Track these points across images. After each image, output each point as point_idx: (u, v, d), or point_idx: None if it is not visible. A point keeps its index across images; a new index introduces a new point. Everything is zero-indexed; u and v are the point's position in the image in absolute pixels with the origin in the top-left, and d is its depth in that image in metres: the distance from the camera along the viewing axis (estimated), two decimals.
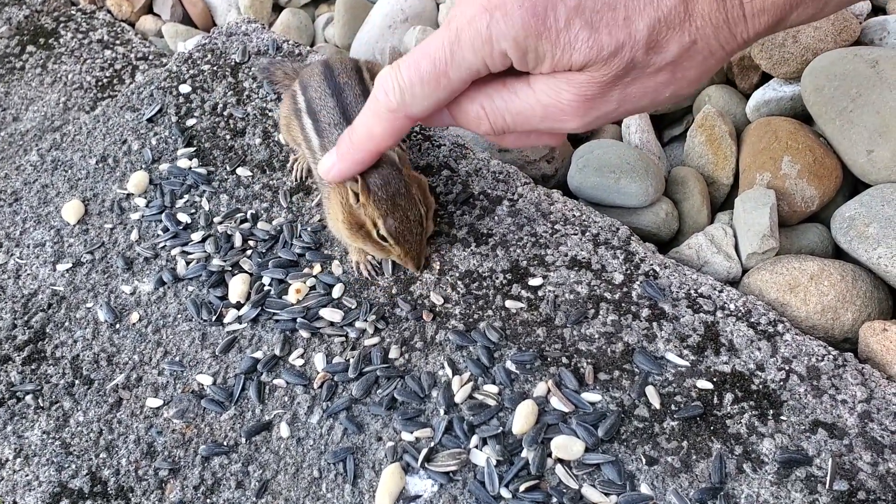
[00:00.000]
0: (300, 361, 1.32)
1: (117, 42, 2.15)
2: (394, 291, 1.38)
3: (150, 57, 2.10)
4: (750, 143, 1.55)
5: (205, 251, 1.47)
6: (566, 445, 1.16)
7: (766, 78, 1.69)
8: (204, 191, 1.57)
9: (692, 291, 1.32)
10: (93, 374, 1.37)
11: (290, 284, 1.39)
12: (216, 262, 1.45)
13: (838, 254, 1.48)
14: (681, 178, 1.58)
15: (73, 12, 2.26)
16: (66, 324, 1.44)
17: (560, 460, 1.16)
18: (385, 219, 1.26)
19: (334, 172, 1.27)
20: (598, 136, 1.74)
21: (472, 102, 1.11)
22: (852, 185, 1.54)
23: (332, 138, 1.34)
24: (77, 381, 1.36)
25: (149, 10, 2.34)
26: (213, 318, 1.39)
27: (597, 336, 1.28)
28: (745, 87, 1.70)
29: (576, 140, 1.76)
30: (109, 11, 2.31)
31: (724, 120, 1.59)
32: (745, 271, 1.43)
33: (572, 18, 0.94)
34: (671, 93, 1.02)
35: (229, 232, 1.49)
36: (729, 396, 1.20)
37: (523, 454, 1.17)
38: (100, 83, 2.04)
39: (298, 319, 1.35)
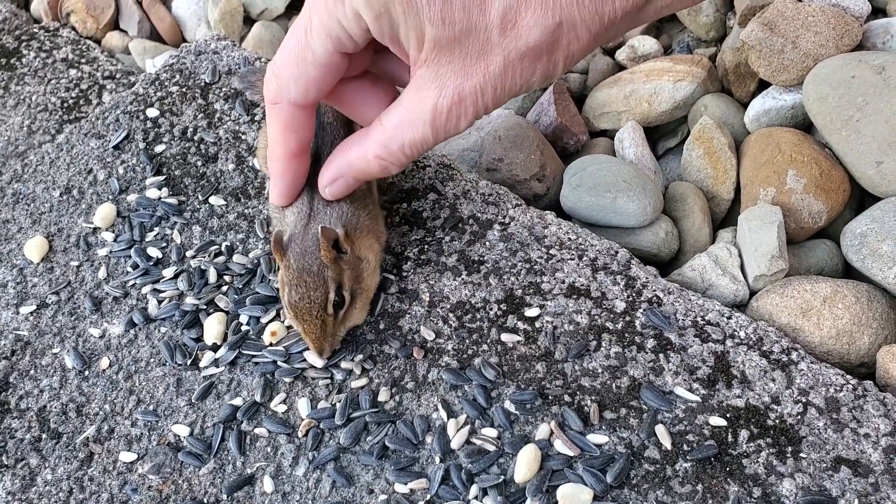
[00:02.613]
0: (283, 407, 1.23)
1: (83, 60, 2.06)
2: (381, 327, 1.29)
3: (118, 75, 2.01)
4: (751, 155, 1.48)
5: (177, 289, 1.38)
6: (573, 494, 1.08)
7: (763, 85, 1.61)
8: (175, 222, 1.48)
9: (699, 319, 1.25)
10: (61, 426, 1.28)
11: (268, 325, 1.30)
12: (190, 300, 1.36)
13: (848, 271, 1.41)
14: (679, 194, 1.50)
15: (35, 30, 2.16)
16: (32, 372, 1.34)
17: None
18: (286, 289, 1.19)
19: (270, 194, 1.25)
20: (590, 150, 1.66)
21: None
22: (859, 199, 1.47)
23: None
24: (44, 435, 1.27)
25: (115, 26, 2.24)
26: (189, 362, 1.30)
27: (600, 370, 1.20)
28: (742, 94, 1.63)
29: (566, 156, 1.68)
30: (74, 28, 2.21)
31: (722, 132, 1.51)
32: (752, 294, 1.35)
33: None
34: (539, 79, 1.00)
35: (203, 267, 1.40)
36: (744, 433, 1.12)
37: None
38: (65, 104, 1.94)
39: (279, 362, 1.26)
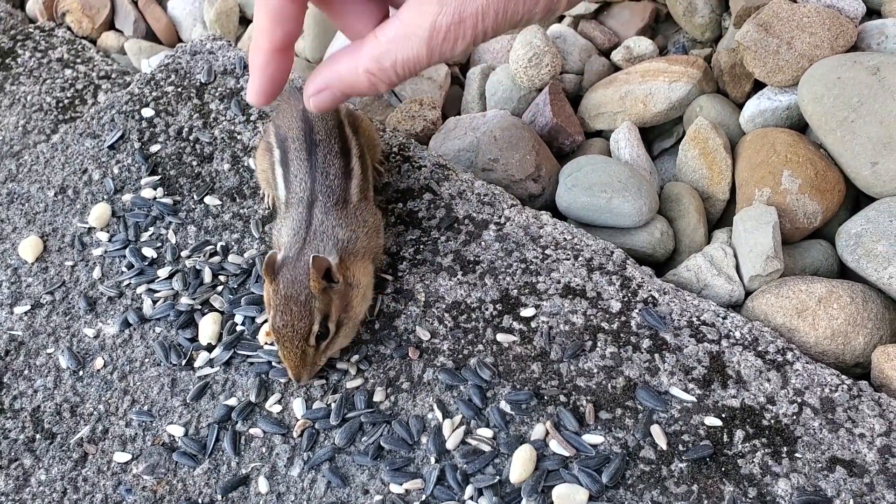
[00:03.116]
0: (277, 408, 1.23)
1: (78, 60, 2.05)
2: (377, 327, 1.29)
3: (114, 75, 2.00)
4: (746, 156, 1.48)
5: (172, 288, 1.38)
6: (569, 494, 1.08)
7: (758, 86, 1.61)
8: (170, 222, 1.48)
9: (694, 319, 1.25)
10: (55, 427, 1.27)
11: (263, 325, 1.30)
12: (185, 300, 1.35)
13: (843, 272, 1.41)
14: (675, 194, 1.50)
15: (30, 30, 2.15)
16: (26, 372, 1.34)
17: None
18: (271, 312, 1.17)
19: (248, 92, 1.14)
20: (586, 151, 1.66)
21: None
22: (854, 199, 1.47)
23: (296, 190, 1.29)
24: (38, 436, 1.27)
25: (110, 26, 2.23)
26: (183, 363, 1.29)
27: (596, 371, 1.20)
28: (738, 95, 1.63)
29: (561, 156, 1.68)
30: (69, 28, 2.20)
31: (717, 132, 1.51)
32: (747, 294, 1.35)
33: None
34: (542, 10, 0.95)
35: (198, 266, 1.39)
36: (739, 433, 1.12)
37: None
38: (61, 104, 1.94)
39: (274, 362, 1.26)
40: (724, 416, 1.14)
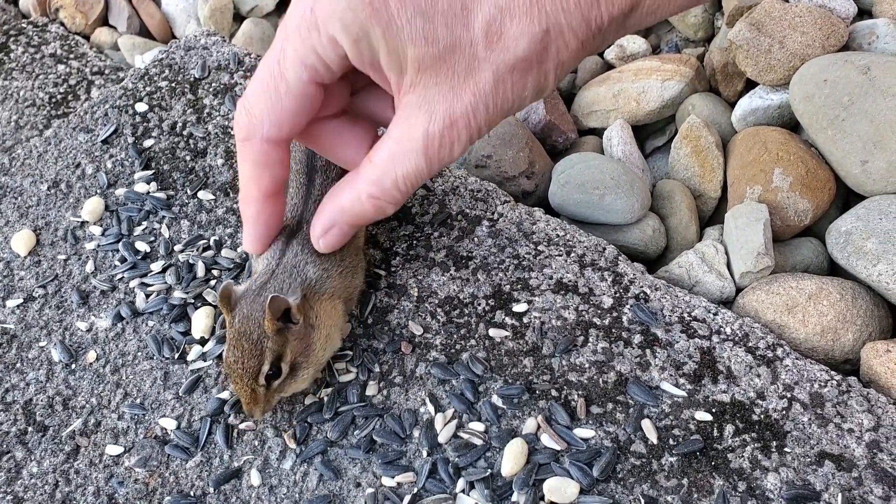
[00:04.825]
0: None
1: (71, 56, 2.05)
2: (370, 322, 1.29)
3: (107, 71, 2.00)
4: (738, 154, 1.49)
5: (165, 282, 1.38)
6: (559, 487, 1.09)
7: (750, 85, 1.62)
8: (163, 217, 1.48)
9: (685, 315, 1.25)
10: (47, 419, 1.27)
11: None
12: (178, 294, 1.35)
13: (833, 269, 1.42)
14: (667, 192, 1.51)
15: (24, 25, 2.15)
16: (18, 365, 1.34)
17: None
18: (226, 344, 1.13)
19: (244, 241, 1.17)
20: (579, 148, 1.67)
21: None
22: (844, 197, 1.48)
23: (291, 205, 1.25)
24: (30, 429, 1.26)
25: (104, 21, 2.23)
26: (176, 356, 1.29)
27: (587, 365, 1.21)
28: (730, 94, 1.64)
29: (555, 154, 1.69)
30: (62, 24, 2.20)
31: (709, 130, 1.52)
32: (738, 291, 1.36)
33: (405, 3, 0.86)
34: (532, 93, 0.95)
35: (191, 261, 1.39)
36: (729, 428, 1.13)
37: (514, 498, 1.09)
38: (53, 99, 1.94)
39: None
40: (714, 410, 1.15)
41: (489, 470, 1.12)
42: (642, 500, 1.07)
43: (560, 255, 1.34)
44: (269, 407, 1.15)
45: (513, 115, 0.98)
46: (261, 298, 1.11)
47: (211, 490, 1.16)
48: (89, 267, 1.43)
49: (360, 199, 1.04)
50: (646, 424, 1.14)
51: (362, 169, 1.03)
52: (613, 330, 1.24)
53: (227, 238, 1.43)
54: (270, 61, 0.97)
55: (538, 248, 1.35)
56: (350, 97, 1.12)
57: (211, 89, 1.67)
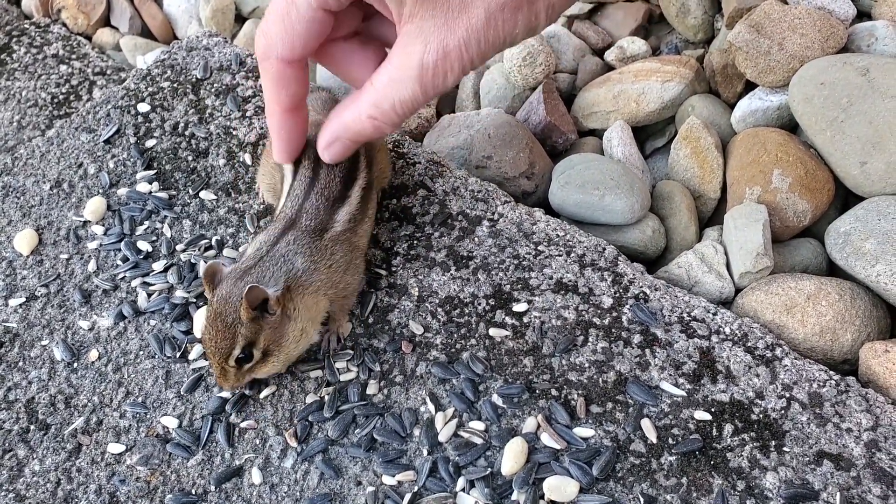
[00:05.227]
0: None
1: (73, 56, 2.06)
2: (371, 321, 1.30)
3: (108, 71, 2.01)
4: (737, 155, 1.49)
5: (167, 282, 1.38)
6: (559, 486, 1.09)
7: (750, 86, 1.63)
8: (165, 216, 1.48)
9: (685, 315, 1.26)
10: (49, 418, 1.28)
11: None
12: (179, 293, 1.36)
13: (832, 269, 1.42)
14: (666, 192, 1.52)
15: (26, 26, 2.16)
16: (20, 363, 1.34)
17: (553, 503, 1.09)
18: (204, 321, 1.15)
19: (273, 152, 1.26)
20: (579, 149, 1.68)
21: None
22: (843, 198, 1.49)
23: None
24: (32, 427, 1.27)
25: (106, 22, 2.24)
26: (178, 355, 1.30)
27: (587, 365, 1.21)
28: (729, 95, 1.64)
29: (555, 154, 1.69)
30: (65, 25, 2.21)
31: (709, 131, 1.53)
32: (737, 291, 1.37)
33: None
34: (523, 30, 1.01)
35: (193, 260, 1.40)
36: (728, 427, 1.13)
37: (514, 497, 1.10)
38: (55, 100, 1.94)
39: None
40: (713, 410, 1.15)
41: (489, 469, 1.12)
42: (641, 499, 1.08)
43: (560, 256, 1.34)
44: (238, 384, 1.18)
45: (509, 47, 1.07)
46: (241, 283, 1.13)
47: (212, 488, 1.17)
48: (91, 266, 1.44)
49: (361, 119, 1.13)
50: (645, 424, 1.14)
51: (364, 90, 1.11)
52: (613, 330, 1.25)
53: (228, 238, 1.44)
54: None
55: (538, 248, 1.35)
56: (362, 22, 1.19)
57: (213, 90, 1.68)
